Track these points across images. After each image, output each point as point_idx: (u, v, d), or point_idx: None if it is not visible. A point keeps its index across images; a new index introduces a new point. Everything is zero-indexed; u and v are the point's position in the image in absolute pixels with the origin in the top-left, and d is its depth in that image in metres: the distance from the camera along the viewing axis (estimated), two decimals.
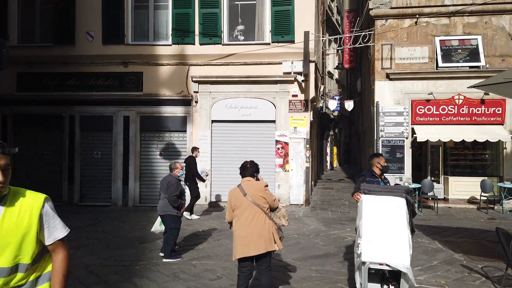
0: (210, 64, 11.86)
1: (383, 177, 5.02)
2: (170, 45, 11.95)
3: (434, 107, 11.44)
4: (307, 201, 11.48)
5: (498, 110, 11.17)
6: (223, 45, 11.84)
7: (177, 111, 11.94)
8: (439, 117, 11.45)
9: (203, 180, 9.97)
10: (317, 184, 16.68)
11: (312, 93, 11.83)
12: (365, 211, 4.17)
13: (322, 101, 15.12)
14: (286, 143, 11.63)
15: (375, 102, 11.80)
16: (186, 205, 6.97)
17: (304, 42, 10.82)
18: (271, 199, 4.26)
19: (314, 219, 9.70)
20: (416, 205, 10.57)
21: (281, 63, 11.60)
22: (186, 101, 11.90)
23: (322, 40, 13.40)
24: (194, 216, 9.74)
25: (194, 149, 10.27)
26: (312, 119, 12.41)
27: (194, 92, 11.86)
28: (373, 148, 12.43)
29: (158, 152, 11.97)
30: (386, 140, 11.73)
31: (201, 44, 11.85)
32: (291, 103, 11.68)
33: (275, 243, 4.14)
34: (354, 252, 4.25)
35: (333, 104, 15.39)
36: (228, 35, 12.00)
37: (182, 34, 11.87)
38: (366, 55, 14.54)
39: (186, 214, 9.54)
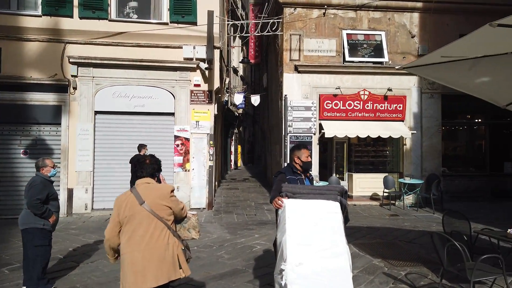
0: (94, 43, 9.79)
1: (308, 174, 3.95)
2: (40, 16, 9.56)
3: (341, 102, 11.11)
4: (210, 204, 10.16)
5: (399, 107, 11.30)
6: (110, 21, 9.88)
7: (48, 98, 9.58)
8: (345, 112, 11.16)
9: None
10: (221, 184, 15.49)
11: (216, 84, 10.58)
12: (290, 222, 3.01)
13: (227, 95, 14.01)
14: (187, 139, 10.17)
15: (283, 96, 11.04)
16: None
17: (207, 23, 9.50)
18: (178, 208, 3.10)
19: (218, 225, 8.43)
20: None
21: (181, 48, 10.10)
22: (61, 87, 9.63)
23: (228, 24, 12.26)
24: None
25: (142, 146, 8.53)
26: (216, 113, 11.15)
27: (72, 76, 9.67)
28: (280, 145, 11.68)
29: (22, 150, 9.45)
30: (294, 136, 11.04)
31: (81, 18, 9.72)
32: (193, 94, 10.26)
33: (181, 268, 3.00)
34: (275, 282, 3.05)
35: (239, 99, 14.39)
36: (117, 10, 10.06)
37: (56, 4, 9.57)
38: (273, 48, 13.82)
39: None
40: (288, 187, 3.36)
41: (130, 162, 8.41)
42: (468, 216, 8.84)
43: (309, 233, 2.95)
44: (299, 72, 11.02)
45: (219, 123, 13.94)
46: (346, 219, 3.46)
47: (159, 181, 3.32)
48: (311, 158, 10.70)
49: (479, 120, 12.50)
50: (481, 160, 12.24)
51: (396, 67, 4.40)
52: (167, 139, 10.17)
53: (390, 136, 10.87)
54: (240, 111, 23.36)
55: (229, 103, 15.47)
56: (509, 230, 3.93)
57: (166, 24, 10.08)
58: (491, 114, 11.98)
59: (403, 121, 11.41)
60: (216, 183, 13.75)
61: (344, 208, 3.27)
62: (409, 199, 11.20)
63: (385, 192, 10.90)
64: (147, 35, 9.88)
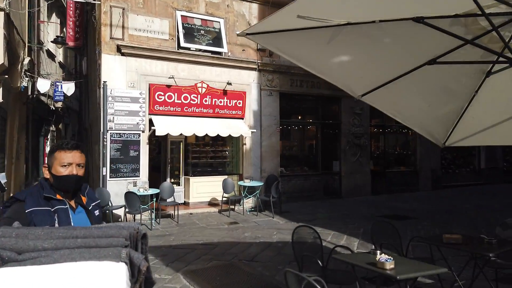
0: None
1: (84, 199, 2.11)
2: None
3: (176, 94, 9.50)
4: None
5: (239, 103, 10.38)
6: None
7: None
8: (181, 107, 9.59)
9: (4, 189, 7.26)
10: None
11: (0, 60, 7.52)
12: None
13: (27, 79, 10.68)
14: None
15: (102, 83, 8.74)
16: None
17: None
18: None
19: None
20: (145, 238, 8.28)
21: None
22: None
23: None
24: None
25: None
26: (2, 100, 8.02)
27: None
28: (99, 146, 9.30)
29: None
30: (117, 133, 8.87)
31: None
32: None
33: None
34: None
35: (44, 85, 11.06)
36: None
37: None
38: (91, 24, 11.21)
39: None
40: (10, 233, 1.48)
41: None
42: (305, 218, 8.27)
43: None
44: (123, 54, 8.91)
45: (15, 115, 10.53)
46: (147, 284, 1.79)
47: None
48: (140, 161, 8.70)
49: (311, 120, 12.69)
50: (313, 159, 12.46)
51: (238, 33, 3.00)
52: None
53: (230, 135, 9.82)
54: (59, 104, 19.32)
55: (31, 90, 11.98)
56: (378, 257, 3.00)
57: None
58: (321, 114, 12.29)
59: (243, 118, 10.55)
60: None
61: (137, 271, 1.59)
62: (249, 202, 10.41)
63: (224, 197, 9.82)
64: None
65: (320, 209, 10.44)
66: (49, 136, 19.60)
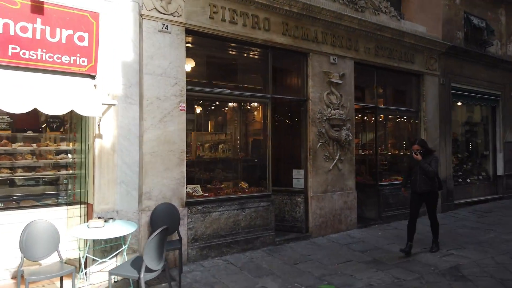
0: None
1: None
2: None
3: None
4: None
5: (82, 39, 4.42)
6: None
7: None
8: None
9: None
10: None
11: None
12: None
13: None
14: None
15: None
16: None
17: None
18: None
19: None
20: None
21: None
22: None
23: None
24: None
25: None
26: None
27: None
28: None
29: None
30: None
31: None
32: None
33: None
34: None
35: None
36: None
37: None
38: None
39: None
40: None
41: None
42: None
43: None
44: None
45: None
46: None
47: None
48: None
49: (252, 93, 6.78)
50: (257, 167, 6.74)
51: None
52: None
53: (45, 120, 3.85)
54: None
55: None
56: None
57: None
58: (272, 82, 6.53)
59: (94, 76, 4.59)
60: None
61: None
62: (104, 271, 4.51)
63: (30, 276, 3.82)
64: None
65: (269, 280, 4.76)
66: None
